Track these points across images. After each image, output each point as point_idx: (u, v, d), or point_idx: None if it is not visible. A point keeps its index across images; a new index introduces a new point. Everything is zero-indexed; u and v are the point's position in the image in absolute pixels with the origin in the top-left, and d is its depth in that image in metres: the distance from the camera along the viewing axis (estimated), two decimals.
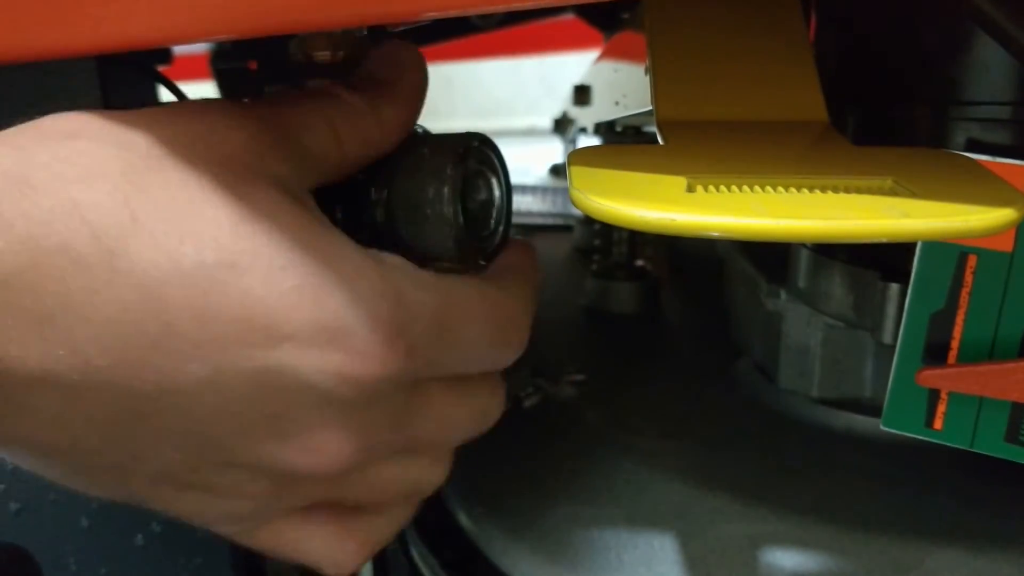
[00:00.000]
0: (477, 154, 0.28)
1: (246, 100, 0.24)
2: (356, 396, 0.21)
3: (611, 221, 0.20)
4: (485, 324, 0.24)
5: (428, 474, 0.26)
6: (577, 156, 0.24)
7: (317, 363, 0.20)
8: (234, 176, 0.20)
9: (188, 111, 0.22)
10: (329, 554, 0.25)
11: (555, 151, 1.18)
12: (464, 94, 2.16)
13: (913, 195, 0.21)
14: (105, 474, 0.21)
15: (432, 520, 0.40)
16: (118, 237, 0.18)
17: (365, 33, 0.30)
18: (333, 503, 0.24)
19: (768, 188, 0.21)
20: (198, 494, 0.22)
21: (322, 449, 0.21)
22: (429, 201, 0.26)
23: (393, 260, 0.23)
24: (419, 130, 0.29)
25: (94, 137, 0.20)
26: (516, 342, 0.25)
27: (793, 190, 0.21)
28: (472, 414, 0.26)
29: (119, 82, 0.34)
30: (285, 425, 0.21)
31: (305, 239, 0.20)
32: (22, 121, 0.21)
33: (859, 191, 0.21)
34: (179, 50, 0.47)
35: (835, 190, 0.21)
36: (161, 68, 0.40)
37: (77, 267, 0.18)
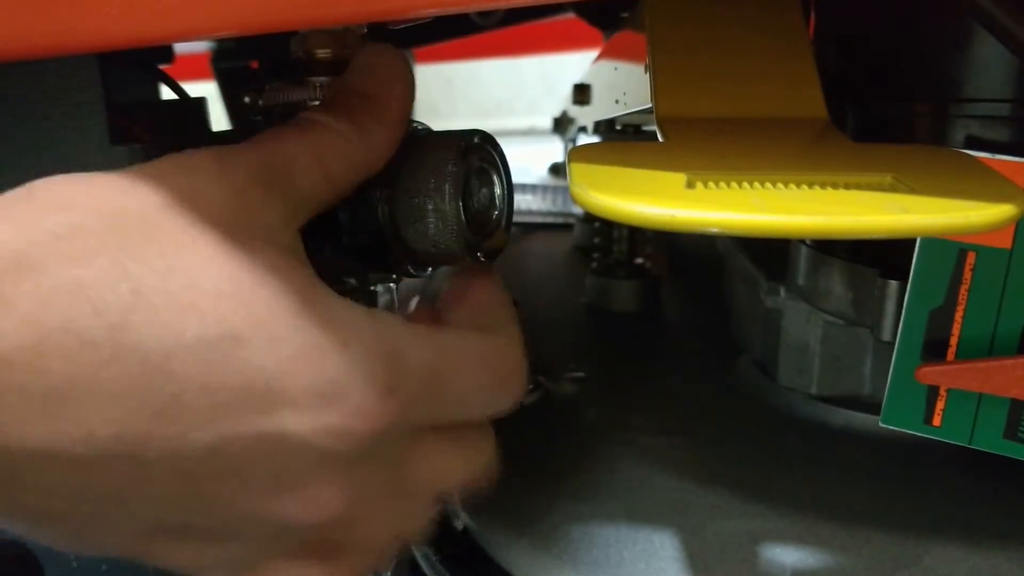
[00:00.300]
0: (479, 151, 0.28)
1: (233, 146, 0.24)
2: (352, 451, 0.22)
3: (611, 217, 0.20)
4: (481, 375, 0.25)
5: (412, 521, 0.26)
6: (578, 153, 0.24)
7: (315, 425, 0.21)
8: (227, 237, 0.21)
9: (175, 169, 0.22)
10: None
11: (555, 150, 1.18)
12: (464, 94, 2.15)
13: (912, 191, 0.21)
14: (99, 535, 0.22)
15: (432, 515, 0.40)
16: (120, 312, 0.19)
17: (365, 31, 0.30)
18: (319, 543, 0.25)
19: (768, 184, 0.21)
20: (193, 543, 0.23)
21: (318, 502, 0.22)
22: (431, 198, 0.27)
23: (387, 317, 0.23)
24: (420, 128, 0.29)
25: (88, 208, 0.20)
26: (513, 390, 0.26)
27: (793, 186, 0.21)
28: (464, 463, 0.27)
29: (120, 80, 0.34)
30: (284, 481, 0.22)
31: (301, 303, 0.21)
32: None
33: (859, 187, 0.21)
34: (180, 49, 0.47)
35: (835, 186, 0.21)
36: (163, 66, 0.40)
37: (81, 344, 0.18)
